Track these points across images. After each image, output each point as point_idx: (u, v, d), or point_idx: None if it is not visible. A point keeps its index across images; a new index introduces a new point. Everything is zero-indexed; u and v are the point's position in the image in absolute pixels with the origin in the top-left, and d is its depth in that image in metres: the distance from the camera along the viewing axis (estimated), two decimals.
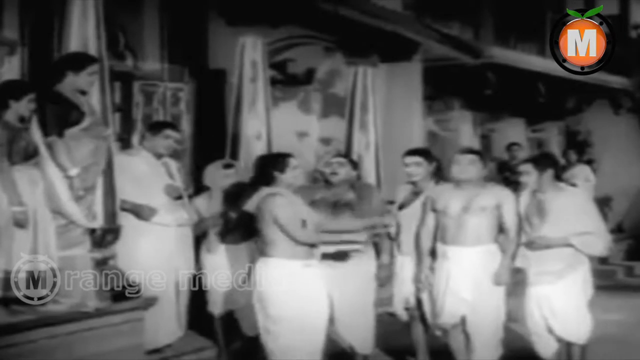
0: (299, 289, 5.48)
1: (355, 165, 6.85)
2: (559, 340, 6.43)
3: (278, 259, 5.49)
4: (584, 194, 6.76)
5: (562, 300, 6.32)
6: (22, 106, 5.41)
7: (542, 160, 6.60)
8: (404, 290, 6.70)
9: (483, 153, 7.46)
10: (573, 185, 8.60)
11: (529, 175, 6.43)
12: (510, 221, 6.24)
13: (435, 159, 6.78)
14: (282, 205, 5.49)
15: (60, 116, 5.62)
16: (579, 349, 6.45)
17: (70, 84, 5.75)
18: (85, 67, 5.79)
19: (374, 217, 6.26)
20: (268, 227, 5.50)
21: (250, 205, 5.61)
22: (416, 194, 6.66)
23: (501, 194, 6.32)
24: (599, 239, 6.44)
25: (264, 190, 5.57)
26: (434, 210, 6.36)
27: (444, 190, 6.39)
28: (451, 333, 6.40)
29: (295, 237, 5.47)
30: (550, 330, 6.39)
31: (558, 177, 6.63)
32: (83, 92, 5.83)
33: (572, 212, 6.34)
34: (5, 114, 5.36)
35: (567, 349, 6.45)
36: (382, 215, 6.41)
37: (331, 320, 6.15)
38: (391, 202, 6.90)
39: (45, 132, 5.54)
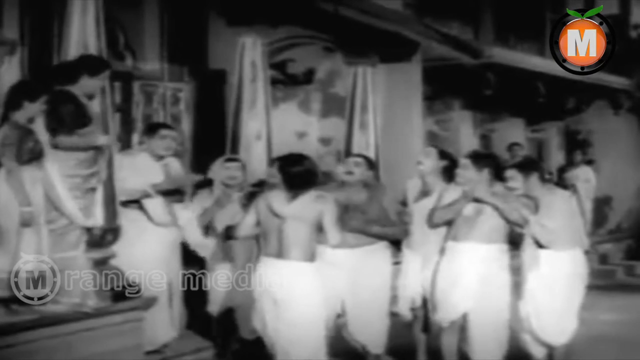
0: (317, 290, 5.58)
1: (371, 164, 6.82)
2: (543, 343, 6.43)
3: (303, 262, 5.55)
4: (562, 195, 6.72)
5: (545, 299, 6.31)
6: (36, 108, 5.41)
7: (526, 165, 6.59)
8: (410, 288, 6.69)
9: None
10: (572, 186, 8.61)
11: (515, 180, 6.44)
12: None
13: (448, 158, 6.73)
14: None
15: (73, 117, 5.62)
16: (561, 350, 6.43)
17: (83, 87, 5.74)
18: (101, 71, 5.81)
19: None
20: (308, 228, 5.56)
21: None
22: (426, 193, 6.65)
23: (508, 193, 6.33)
24: (549, 233, 6.36)
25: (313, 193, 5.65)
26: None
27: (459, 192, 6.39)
28: (446, 332, 6.39)
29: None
30: (532, 330, 6.39)
31: (543, 179, 6.63)
32: (90, 97, 5.83)
33: (546, 207, 6.34)
34: (15, 114, 5.37)
35: (550, 351, 6.44)
36: (396, 216, 6.48)
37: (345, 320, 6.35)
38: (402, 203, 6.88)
39: (55, 130, 5.54)
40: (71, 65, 5.87)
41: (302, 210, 5.56)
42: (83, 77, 5.73)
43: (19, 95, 5.43)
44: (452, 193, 6.34)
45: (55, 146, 5.54)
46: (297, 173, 5.65)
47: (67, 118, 5.59)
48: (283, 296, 5.51)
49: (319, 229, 5.63)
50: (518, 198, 6.32)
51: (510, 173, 6.48)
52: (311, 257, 5.59)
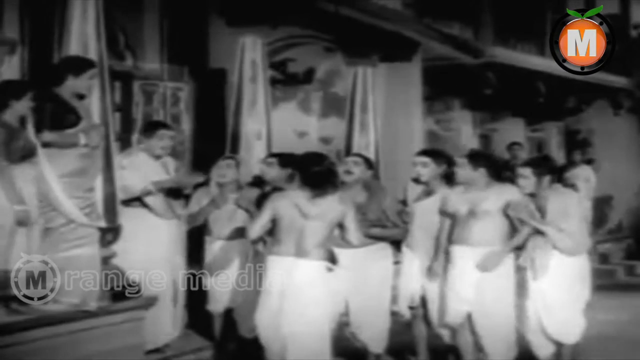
0: (329, 289, 5.62)
1: (370, 164, 6.82)
2: (554, 341, 6.42)
3: (321, 261, 5.58)
4: (575, 197, 6.69)
5: (556, 299, 6.30)
6: (23, 105, 5.42)
7: (541, 166, 6.48)
8: (410, 288, 6.68)
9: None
10: (572, 185, 8.58)
11: (527, 179, 6.34)
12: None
13: (447, 161, 6.71)
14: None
15: (56, 116, 5.62)
16: (569, 349, 6.43)
17: (70, 87, 5.76)
18: (85, 70, 5.80)
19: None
20: (328, 228, 5.59)
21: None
22: (428, 193, 6.64)
23: (508, 193, 6.30)
24: (570, 239, 6.33)
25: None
26: (446, 213, 6.38)
27: (456, 193, 6.39)
28: (460, 332, 6.39)
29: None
30: (543, 329, 6.38)
31: (554, 180, 6.60)
32: (81, 97, 5.83)
33: (562, 211, 6.31)
34: (5, 114, 5.37)
35: (558, 349, 6.44)
36: (396, 215, 6.48)
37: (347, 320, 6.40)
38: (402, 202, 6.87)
39: (41, 131, 5.54)
40: (55, 67, 5.91)
41: (326, 211, 5.58)
42: (68, 77, 5.75)
43: (4, 94, 5.44)
44: (455, 197, 6.35)
45: (43, 144, 5.54)
46: (318, 173, 5.65)
47: (50, 116, 5.59)
48: (302, 295, 5.49)
49: (337, 229, 5.68)
50: (527, 200, 6.27)
51: (523, 171, 6.37)
52: (326, 256, 5.62)
